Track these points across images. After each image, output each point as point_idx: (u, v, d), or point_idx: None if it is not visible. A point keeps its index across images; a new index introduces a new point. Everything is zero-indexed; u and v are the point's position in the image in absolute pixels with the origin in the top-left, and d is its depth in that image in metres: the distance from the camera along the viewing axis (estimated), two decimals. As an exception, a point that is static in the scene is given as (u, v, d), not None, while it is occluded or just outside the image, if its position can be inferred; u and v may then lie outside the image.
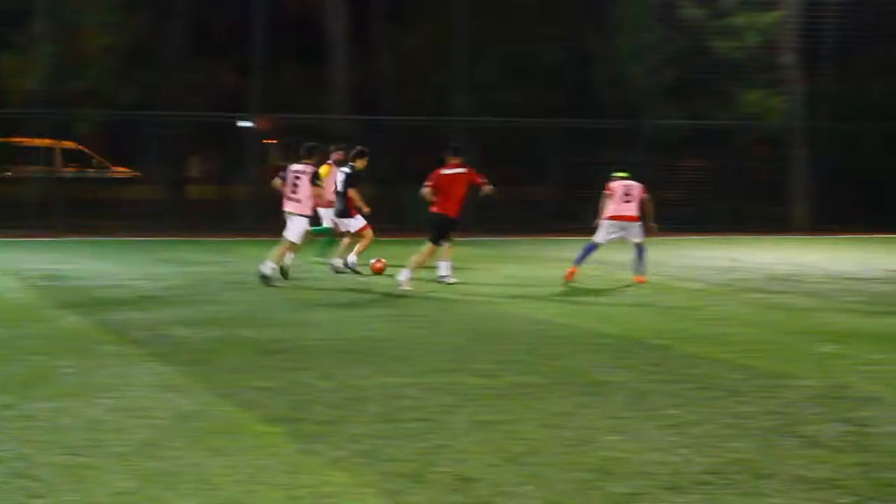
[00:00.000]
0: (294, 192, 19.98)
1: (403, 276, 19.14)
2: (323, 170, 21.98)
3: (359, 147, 22.14)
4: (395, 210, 32.79)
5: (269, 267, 19.82)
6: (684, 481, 7.79)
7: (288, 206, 20.11)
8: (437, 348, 13.28)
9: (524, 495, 7.45)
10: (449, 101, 35.90)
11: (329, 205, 22.30)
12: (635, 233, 20.90)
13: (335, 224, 22.38)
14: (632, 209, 20.86)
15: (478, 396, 10.49)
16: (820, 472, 8.07)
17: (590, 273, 21.55)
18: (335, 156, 22.98)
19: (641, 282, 20.67)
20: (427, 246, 19.50)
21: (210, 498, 7.37)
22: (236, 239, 30.76)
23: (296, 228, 20.01)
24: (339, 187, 21.89)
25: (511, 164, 36.05)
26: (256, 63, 34.27)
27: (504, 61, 36.90)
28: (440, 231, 19.49)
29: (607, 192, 21.01)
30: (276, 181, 20.49)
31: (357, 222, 21.87)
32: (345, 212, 21.91)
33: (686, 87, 36.83)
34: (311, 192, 19.97)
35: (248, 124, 35.12)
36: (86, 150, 37.98)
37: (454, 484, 7.69)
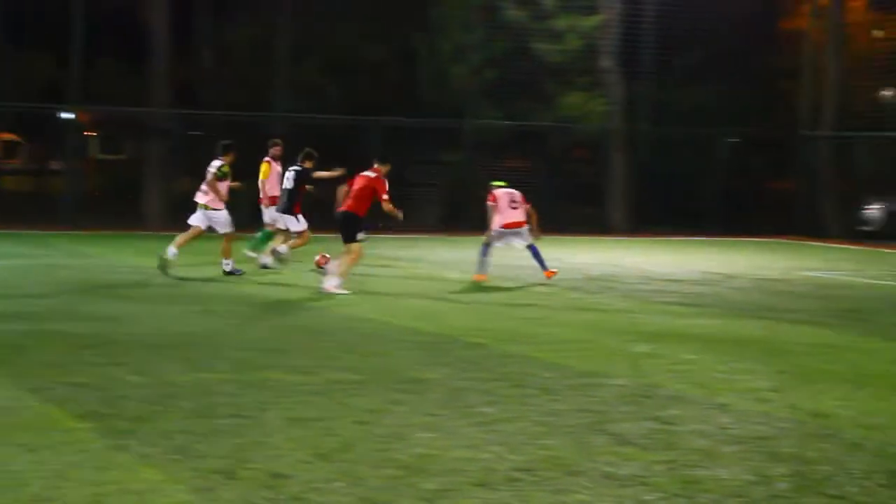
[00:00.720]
0: (208, 186, 20.72)
1: (331, 283, 18.87)
2: (263, 167, 22.19)
3: (307, 149, 22.14)
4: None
5: (228, 265, 20.71)
6: (495, 478, 7.86)
7: (200, 198, 20.80)
8: (254, 344, 13.20)
9: (335, 492, 7.44)
10: (271, 97, 35.72)
11: (272, 202, 22.39)
12: (524, 236, 21.34)
13: (275, 220, 22.29)
14: (520, 215, 21.29)
15: (293, 393, 10.45)
16: (628, 469, 8.21)
17: (412, 271, 21.64)
18: (273, 151, 22.93)
19: (550, 276, 21.33)
20: (347, 248, 19.23)
21: (17, 494, 7.22)
22: (54, 231, 30.17)
23: (220, 221, 20.73)
24: (288, 185, 21.92)
25: (333, 162, 35.93)
26: (75, 54, 33.66)
27: (327, 59, 36.82)
28: (347, 230, 19.25)
29: (492, 202, 21.35)
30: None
31: (300, 223, 21.87)
32: (290, 209, 21.88)
33: (508, 88, 37.19)
34: (215, 185, 20.58)
35: (68, 116, 34.47)
36: None
37: (266, 481, 7.64)
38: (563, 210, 37.10)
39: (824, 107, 39.08)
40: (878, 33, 40.30)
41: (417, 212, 29.07)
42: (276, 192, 22.31)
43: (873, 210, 37.63)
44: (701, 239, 34.79)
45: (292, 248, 22.06)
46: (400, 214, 19.22)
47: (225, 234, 20.75)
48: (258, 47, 37.00)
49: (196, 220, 20.91)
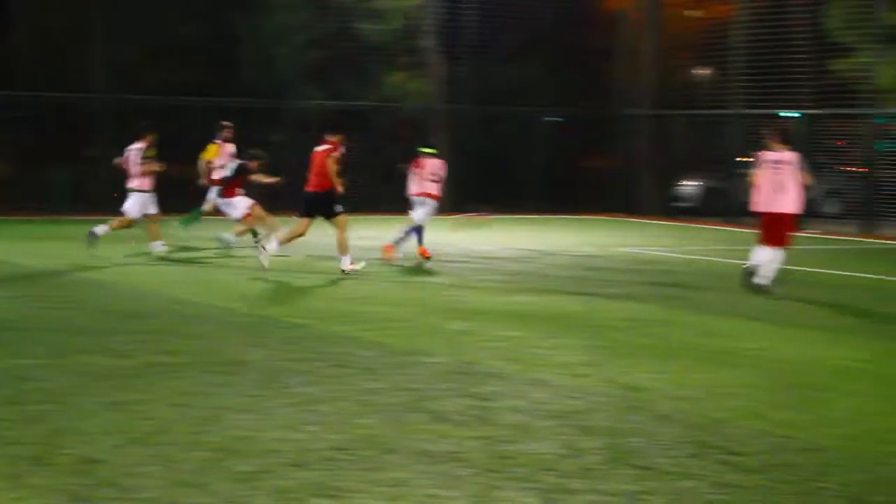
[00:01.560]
0: (133, 169, 21.28)
1: (267, 252, 19.05)
2: (211, 148, 23.04)
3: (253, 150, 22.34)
4: (35, 189, 32.01)
5: (158, 246, 21.20)
6: (310, 458, 7.88)
7: (128, 183, 21.46)
8: (73, 329, 13.01)
9: (149, 475, 7.38)
10: (89, 78, 35.07)
11: (217, 183, 22.58)
12: (425, 212, 21.60)
13: (217, 203, 22.41)
14: (436, 188, 21.60)
15: (110, 377, 10.33)
16: (444, 445, 8.29)
17: (233, 253, 21.57)
18: (225, 133, 22.76)
19: (426, 255, 21.39)
20: (333, 223, 19.25)
21: None
22: None
23: (132, 203, 21.23)
24: (229, 172, 22.03)
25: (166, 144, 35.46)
26: None
27: (148, 39, 36.23)
28: (323, 208, 19.21)
29: (417, 168, 21.67)
30: (118, 159, 21.65)
31: (238, 209, 21.90)
32: (225, 194, 22.02)
33: (331, 68, 37.09)
34: (140, 167, 21.15)
35: None
36: None
37: (78, 466, 7.55)
38: (387, 189, 37.10)
39: (642, 86, 39.73)
40: (692, 13, 41.09)
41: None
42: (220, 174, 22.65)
43: (689, 187, 38.45)
44: (523, 217, 35.14)
45: (238, 234, 22.47)
46: (344, 182, 19.45)
47: (149, 216, 21.28)
48: (75, 27, 36.23)
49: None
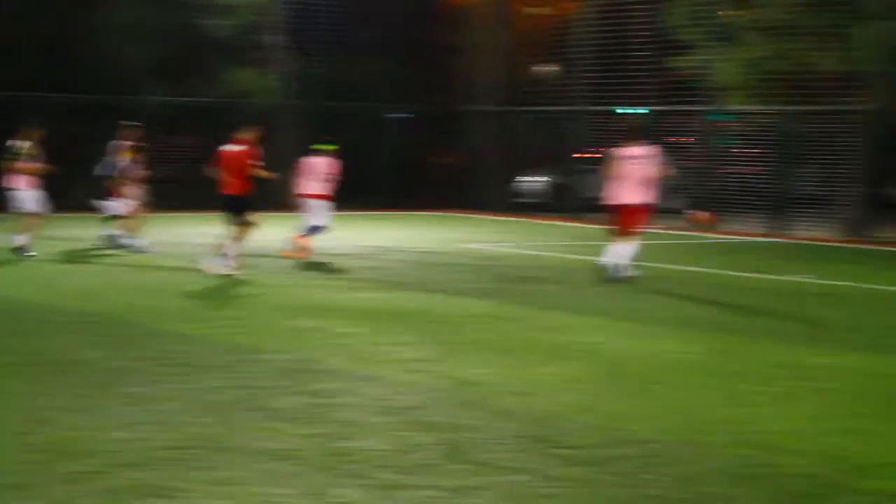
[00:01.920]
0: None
1: (216, 263, 18.45)
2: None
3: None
4: None
5: (21, 240, 20.74)
6: (144, 458, 7.80)
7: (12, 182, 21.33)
8: None
9: (-28, 478, 7.27)
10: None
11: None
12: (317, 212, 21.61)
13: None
14: (319, 188, 21.47)
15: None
16: (279, 443, 8.27)
17: (77, 249, 21.28)
18: (126, 133, 23.09)
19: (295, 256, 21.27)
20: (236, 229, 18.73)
21: None
22: None
23: (26, 199, 21.10)
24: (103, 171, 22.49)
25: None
26: None
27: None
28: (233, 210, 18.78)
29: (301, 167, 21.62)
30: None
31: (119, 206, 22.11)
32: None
33: (176, 64, 36.70)
34: (23, 166, 21.04)
35: None
36: None
37: None
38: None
39: (488, 82, 39.96)
40: (535, 10, 41.48)
41: (85, 190, 28.21)
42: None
43: (533, 182, 38.75)
44: (368, 213, 35.13)
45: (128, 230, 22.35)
46: (274, 175, 19.59)
47: (29, 213, 20.99)
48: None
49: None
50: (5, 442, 8.09)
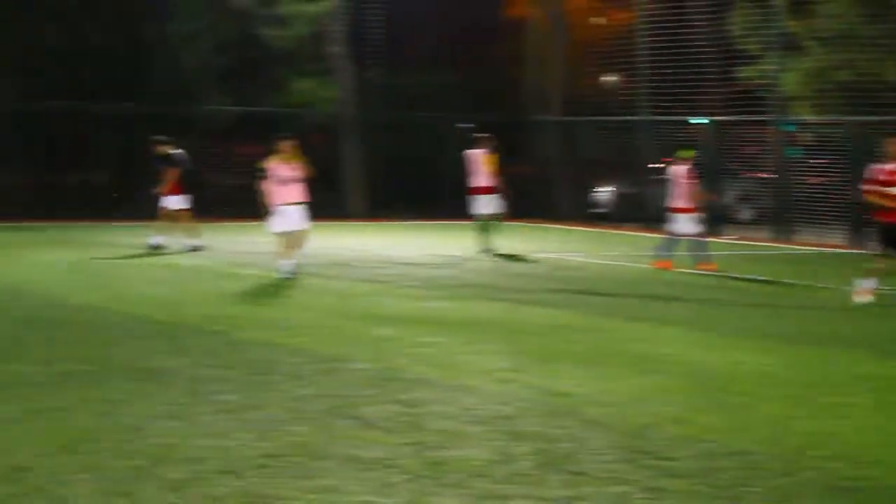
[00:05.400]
0: None
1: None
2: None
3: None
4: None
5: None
6: (241, 465, 7.80)
7: None
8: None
9: (79, 483, 7.29)
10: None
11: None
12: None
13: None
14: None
15: (30, 385, 10.19)
16: (374, 452, 8.25)
17: (148, 259, 21.36)
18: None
19: None
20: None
21: None
22: None
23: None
24: None
25: (66, 150, 35.08)
26: None
27: (48, 44, 35.76)
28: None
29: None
30: None
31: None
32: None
33: (237, 74, 36.92)
34: None
35: None
36: None
37: (6, 474, 7.43)
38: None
39: (551, 93, 39.88)
40: (597, 20, 41.37)
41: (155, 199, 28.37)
42: None
43: (604, 192, 38.59)
44: (438, 223, 35.10)
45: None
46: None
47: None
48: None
49: None
50: (108, 448, 8.12)
